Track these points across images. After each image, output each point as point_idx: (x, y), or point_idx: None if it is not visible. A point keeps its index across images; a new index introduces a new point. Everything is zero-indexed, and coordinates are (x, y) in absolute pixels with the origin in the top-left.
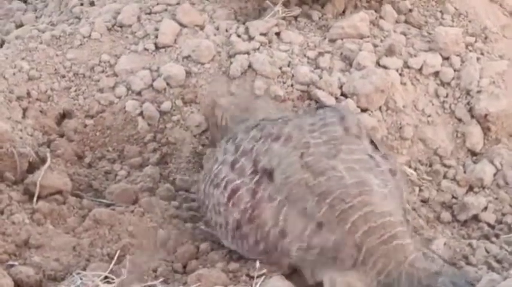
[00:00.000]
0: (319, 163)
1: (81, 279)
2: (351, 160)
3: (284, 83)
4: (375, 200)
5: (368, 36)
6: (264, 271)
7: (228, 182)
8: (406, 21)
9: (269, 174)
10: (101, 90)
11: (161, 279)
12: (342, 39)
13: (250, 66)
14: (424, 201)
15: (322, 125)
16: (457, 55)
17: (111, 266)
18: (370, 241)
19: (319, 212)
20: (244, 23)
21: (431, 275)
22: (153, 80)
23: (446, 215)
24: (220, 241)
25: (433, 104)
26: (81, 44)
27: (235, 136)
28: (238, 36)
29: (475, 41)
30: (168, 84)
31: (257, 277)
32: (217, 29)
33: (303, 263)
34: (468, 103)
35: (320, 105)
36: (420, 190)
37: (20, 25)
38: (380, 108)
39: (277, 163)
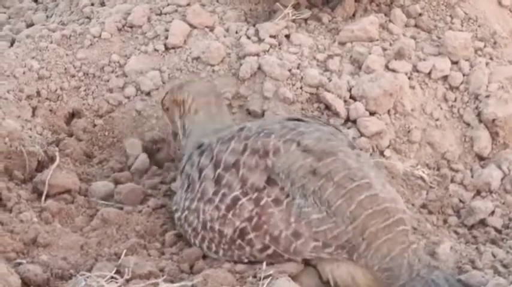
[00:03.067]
0: (319, 144)
1: (85, 280)
2: (345, 148)
3: (293, 85)
4: (377, 186)
5: (377, 40)
6: (271, 272)
7: (224, 195)
8: (415, 25)
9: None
10: (110, 90)
11: (164, 277)
12: (351, 42)
13: (259, 68)
14: (431, 204)
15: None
16: (466, 60)
17: (116, 266)
18: (374, 224)
19: (326, 193)
20: (254, 25)
21: (430, 268)
22: (163, 81)
23: (453, 219)
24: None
25: (441, 108)
26: (91, 44)
27: (210, 147)
28: (248, 38)
29: (484, 46)
30: None
31: (264, 278)
32: (227, 30)
33: (316, 260)
34: (476, 108)
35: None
36: (427, 193)
37: (30, 24)
38: (388, 111)
39: (272, 162)
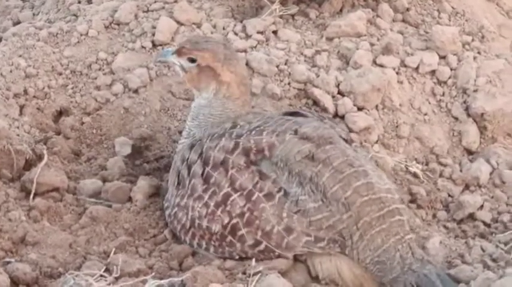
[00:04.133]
0: (317, 131)
1: (73, 279)
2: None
3: (281, 81)
4: (373, 176)
5: (365, 35)
6: (260, 268)
7: (214, 192)
8: (403, 20)
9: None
10: (97, 88)
11: (153, 274)
12: (339, 37)
13: (247, 64)
14: (420, 199)
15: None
16: (454, 54)
17: (105, 264)
18: (369, 213)
19: (322, 178)
20: (241, 21)
21: (422, 262)
22: (150, 78)
23: (442, 214)
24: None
25: (429, 103)
26: (78, 42)
27: (200, 142)
28: (236, 34)
29: (472, 40)
30: None
31: (253, 275)
32: (215, 27)
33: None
34: (465, 102)
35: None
36: (416, 188)
37: (17, 22)
38: (376, 106)
39: (269, 154)
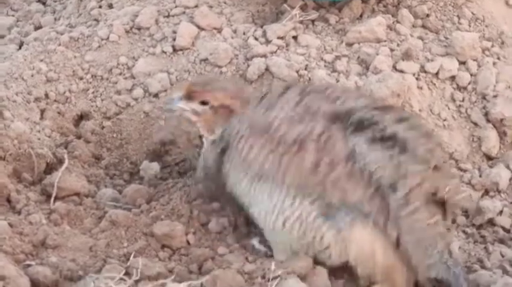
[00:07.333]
0: None
1: (94, 282)
2: None
3: None
4: None
5: (385, 41)
6: (279, 272)
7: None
8: (423, 26)
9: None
10: (118, 92)
11: (172, 277)
12: (358, 43)
13: (267, 69)
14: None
15: None
16: (474, 60)
17: (125, 267)
18: None
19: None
20: (261, 26)
21: (455, 261)
22: (171, 83)
23: (461, 219)
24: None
25: (449, 108)
26: (99, 46)
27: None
28: (256, 39)
29: (492, 46)
30: None
31: (272, 279)
32: (235, 32)
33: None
34: (484, 107)
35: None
36: None
37: (38, 27)
38: None
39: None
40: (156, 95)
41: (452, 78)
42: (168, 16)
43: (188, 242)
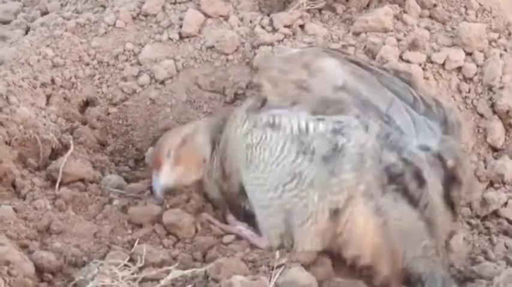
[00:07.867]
0: None
1: (98, 268)
2: None
3: None
4: None
5: (392, 31)
6: (284, 261)
7: None
8: (430, 16)
9: None
10: (124, 79)
11: (176, 264)
12: (365, 32)
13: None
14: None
15: None
16: (480, 51)
17: (130, 254)
18: None
19: None
20: (268, 15)
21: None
22: (177, 70)
23: (466, 210)
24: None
25: (455, 99)
26: (105, 33)
27: None
28: (263, 27)
29: (499, 37)
30: None
31: (276, 268)
32: (242, 20)
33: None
34: (490, 99)
35: None
36: None
37: (45, 12)
38: None
39: None
40: (162, 82)
41: (459, 69)
42: (174, 3)
43: (196, 231)
